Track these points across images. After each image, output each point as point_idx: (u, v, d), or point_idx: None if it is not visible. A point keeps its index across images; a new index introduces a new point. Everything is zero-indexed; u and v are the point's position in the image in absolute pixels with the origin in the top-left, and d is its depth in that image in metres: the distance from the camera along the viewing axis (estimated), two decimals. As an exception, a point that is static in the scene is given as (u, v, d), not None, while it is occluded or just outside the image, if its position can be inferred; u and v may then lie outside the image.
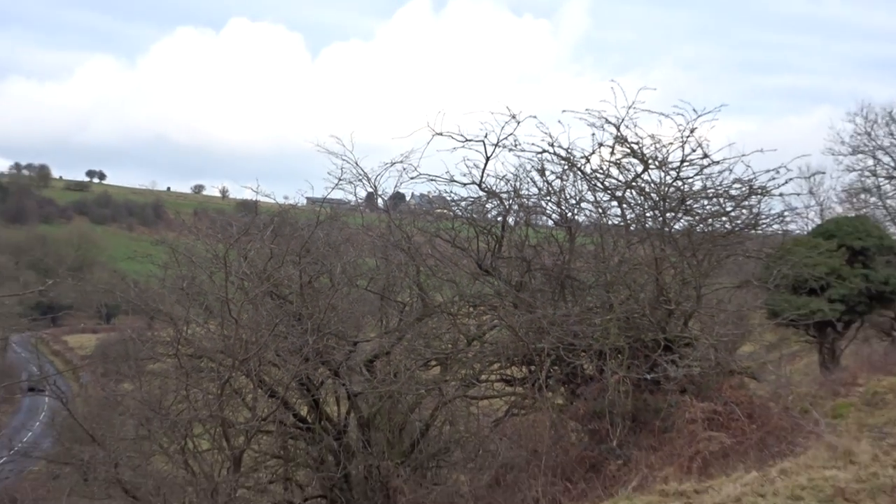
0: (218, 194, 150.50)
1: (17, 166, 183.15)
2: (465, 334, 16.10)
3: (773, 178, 14.61)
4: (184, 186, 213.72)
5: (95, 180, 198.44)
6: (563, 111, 14.52)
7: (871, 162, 38.35)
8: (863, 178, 38.75)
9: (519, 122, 14.65)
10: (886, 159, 38.16)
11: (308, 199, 19.24)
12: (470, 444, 15.90)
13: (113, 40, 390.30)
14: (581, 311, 14.34)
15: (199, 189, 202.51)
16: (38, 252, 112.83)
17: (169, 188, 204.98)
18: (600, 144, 14.69)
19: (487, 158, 14.99)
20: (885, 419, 15.60)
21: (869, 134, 38.07)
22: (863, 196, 38.79)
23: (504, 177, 15.46)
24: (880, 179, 38.45)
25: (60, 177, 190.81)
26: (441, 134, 14.74)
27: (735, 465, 11.38)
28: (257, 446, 16.99)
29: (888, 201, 38.54)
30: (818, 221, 34.79)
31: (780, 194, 15.31)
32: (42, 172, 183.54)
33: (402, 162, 15.63)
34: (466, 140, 14.87)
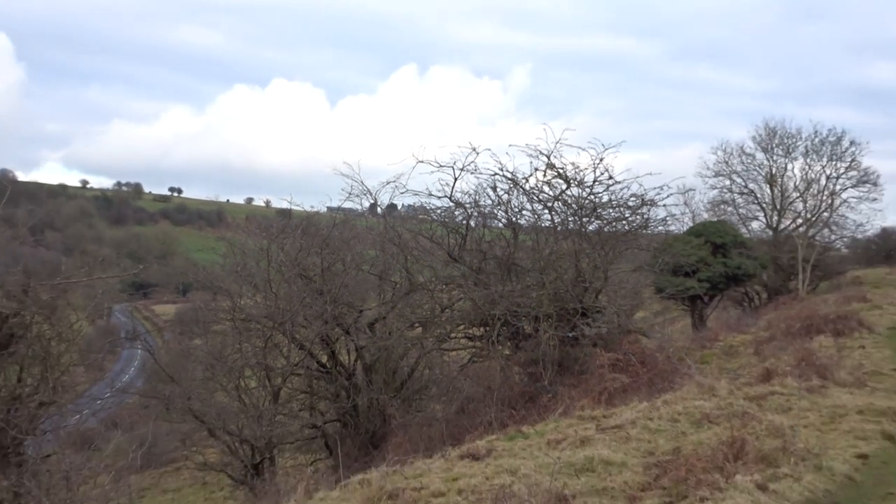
0: (263, 204, 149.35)
1: (119, 184, 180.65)
2: (439, 304, 16.05)
3: (659, 193, 14.78)
4: (239, 198, 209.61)
5: (176, 194, 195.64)
6: (510, 146, 14.61)
7: (728, 182, 38.92)
8: (722, 194, 39.24)
9: (478, 154, 14.67)
10: (739, 180, 38.84)
11: (328, 208, 19.10)
12: (443, 383, 15.84)
13: (188, 94, 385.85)
14: (522, 287, 14.29)
15: (249, 200, 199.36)
16: (133, 245, 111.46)
17: (228, 200, 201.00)
18: (536, 169, 14.72)
19: (455, 179, 14.94)
20: (737, 364, 15.70)
21: (727, 162, 38.64)
22: (722, 206, 39.18)
23: (467, 192, 15.45)
24: (734, 195, 39.03)
25: (150, 192, 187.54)
26: (422, 161, 14.68)
27: (631, 397, 11.39)
28: (291, 384, 16.93)
29: (740, 210, 39.17)
30: (691, 224, 35.03)
31: (664, 205, 15.40)
32: (137, 188, 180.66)
33: (394, 181, 15.54)
34: (440, 166, 14.81)
